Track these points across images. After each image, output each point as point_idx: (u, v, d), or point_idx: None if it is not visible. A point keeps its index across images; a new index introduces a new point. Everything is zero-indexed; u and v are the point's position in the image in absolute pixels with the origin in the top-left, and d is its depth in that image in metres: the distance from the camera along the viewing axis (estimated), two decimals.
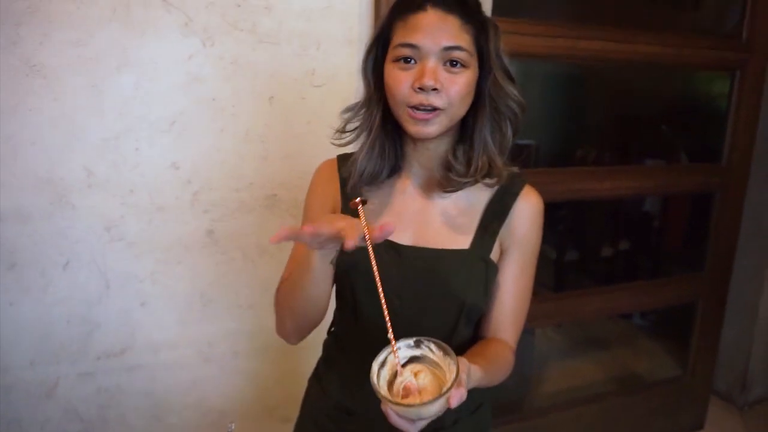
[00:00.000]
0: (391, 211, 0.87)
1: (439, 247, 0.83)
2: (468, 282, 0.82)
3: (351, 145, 0.88)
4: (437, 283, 0.81)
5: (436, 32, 0.74)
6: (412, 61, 0.76)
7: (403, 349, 0.66)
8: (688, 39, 1.87)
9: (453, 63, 0.76)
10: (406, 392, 0.62)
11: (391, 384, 0.63)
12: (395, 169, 0.87)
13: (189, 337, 1.46)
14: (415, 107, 0.76)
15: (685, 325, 2.30)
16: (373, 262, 0.67)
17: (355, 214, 0.71)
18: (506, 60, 0.80)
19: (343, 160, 0.91)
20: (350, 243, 0.63)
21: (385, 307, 0.66)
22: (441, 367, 0.64)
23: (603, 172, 1.93)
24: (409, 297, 0.82)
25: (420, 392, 0.62)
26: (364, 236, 0.66)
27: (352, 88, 1.46)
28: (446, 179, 0.82)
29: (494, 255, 0.85)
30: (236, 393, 1.55)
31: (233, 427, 0.80)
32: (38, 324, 1.31)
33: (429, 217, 0.86)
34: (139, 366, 1.43)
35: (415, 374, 0.63)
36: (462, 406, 0.66)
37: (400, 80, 0.76)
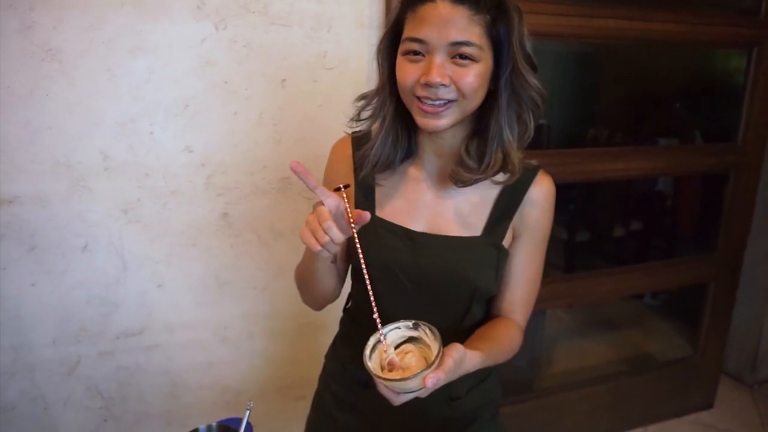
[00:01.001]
0: (404, 198, 0.87)
1: (452, 234, 0.84)
2: (479, 268, 0.84)
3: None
4: (450, 269, 0.82)
5: (444, 26, 0.72)
6: (420, 54, 0.75)
7: (402, 328, 0.72)
8: (704, 16, 1.83)
9: (461, 56, 0.74)
10: (391, 367, 0.68)
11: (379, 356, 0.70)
12: (408, 154, 0.88)
13: (205, 318, 1.49)
14: (423, 98, 0.76)
15: (696, 305, 2.30)
16: (358, 248, 0.73)
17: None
18: (529, 46, 0.77)
19: (356, 139, 0.92)
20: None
21: (370, 288, 0.73)
22: (432, 350, 0.69)
23: (615, 152, 1.91)
24: (423, 282, 0.83)
25: (403, 369, 0.68)
26: (350, 222, 0.71)
27: (364, 70, 1.46)
28: (457, 174, 0.82)
29: (506, 241, 0.86)
30: (251, 373, 1.58)
31: (251, 406, 0.82)
32: (59, 305, 1.34)
33: (442, 205, 0.86)
34: (157, 345, 1.46)
35: (406, 353, 0.70)
36: (470, 378, 0.73)
37: (408, 73, 0.75)
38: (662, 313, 3.08)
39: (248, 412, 0.81)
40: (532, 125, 0.81)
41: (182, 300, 1.45)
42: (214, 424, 0.83)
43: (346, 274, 0.94)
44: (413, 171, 0.88)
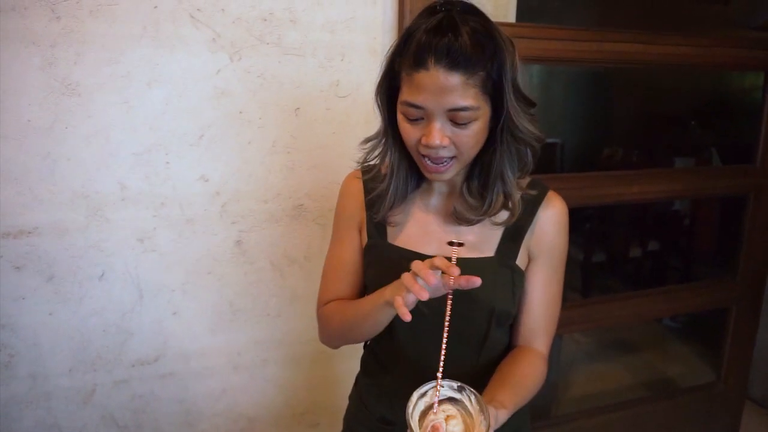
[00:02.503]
0: (415, 224, 0.88)
1: (464, 256, 0.84)
2: (495, 288, 0.83)
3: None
4: (465, 292, 0.81)
5: (440, 94, 0.71)
6: (419, 118, 0.75)
7: (446, 387, 0.69)
8: (718, 39, 1.82)
9: (459, 120, 0.74)
10: (433, 431, 0.65)
11: (423, 415, 0.65)
12: (417, 184, 0.89)
13: (219, 345, 1.49)
14: (426, 156, 0.77)
15: (717, 327, 2.24)
16: (448, 310, 0.72)
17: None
18: (521, 80, 0.77)
19: (366, 171, 0.93)
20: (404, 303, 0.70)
21: (444, 346, 0.70)
22: (473, 418, 0.66)
23: (631, 176, 1.89)
24: (438, 307, 0.82)
25: None
26: (448, 283, 0.69)
27: None
28: (458, 214, 0.83)
29: (520, 262, 0.86)
30: (265, 400, 1.57)
31: None
32: (76, 333, 1.36)
33: (452, 229, 0.87)
34: (172, 374, 1.46)
35: (448, 417, 0.66)
36: (505, 428, 0.69)
37: (409, 134, 0.77)
38: (682, 335, 3.01)
39: None
40: (529, 159, 0.82)
41: (197, 328, 1.46)
42: None
43: None
44: (423, 198, 0.89)
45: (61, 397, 1.38)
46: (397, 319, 0.85)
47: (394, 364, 0.89)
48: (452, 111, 0.73)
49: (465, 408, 0.67)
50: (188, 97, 1.32)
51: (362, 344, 1.03)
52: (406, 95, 0.75)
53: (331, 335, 0.92)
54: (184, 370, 1.47)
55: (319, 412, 1.63)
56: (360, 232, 0.93)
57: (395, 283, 0.75)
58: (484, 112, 0.75)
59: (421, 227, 0.87)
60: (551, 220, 0.86)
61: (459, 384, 0.69)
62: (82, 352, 1.37)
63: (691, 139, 3.30)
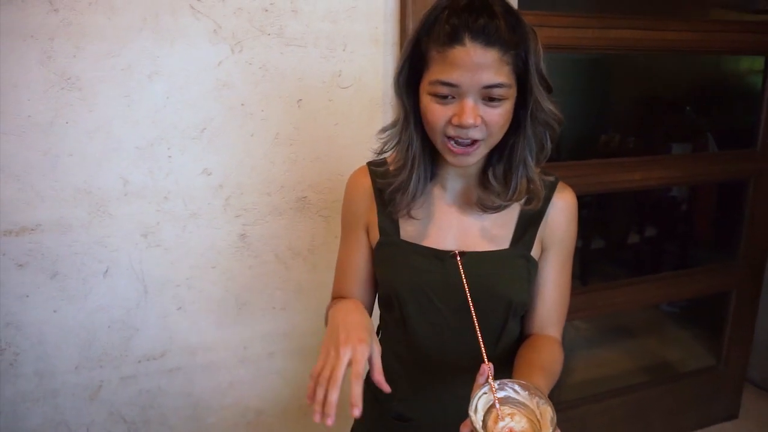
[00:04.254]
0: (429, 219, 0.87)
1: (480, 249, 0.84)
2: (512, 280, 0.84)
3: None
4: (482, 285, 0.82)
5: (476, 71, 0.70)
6: (450, 97, 0.74)
7: (488, 393, 0.66)
8: (719, 23, 1.81)
9: (492, 98, 0.73)
10: None
11: (484, 424, 0.64)
12: (431, 176, 0.88)
13: (225, 339, 1.48)
14: (453, 139, 0.75)
15: (715, 312, 2.27)
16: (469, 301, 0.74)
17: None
18: (544, 67, 0.77)
19: (374, 167, 0.91)
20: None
21: (484, 354, 0.69)
22: (527, 407, 0.65)
23: (633, 163, 1.89)
24: (456, 303, 0.82)
25: None
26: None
27: (379, 87, 1.46)
28: (485, 200, 0.82)
29: (534, 252, 0.86)
30: (272, 392, 1.57)
31: None
32: (81, 330, 1.35)
33: (467, 223, 0.86)
34: (178, 368, 1.46)
35: (511, 416, 0.64)
36: None
37: (437, 115, 0.75)
38: (680, 320, 3.04)
39: None
40: (549, 144, 0.82)
41: (202, 322, 1.45)
42: None
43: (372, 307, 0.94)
44: (436, 192, 0.88)
45: (68, 393, 1.37)
46: (411, 314, 0.84)
47: (409, 360, 0.89)
48: (487, 88, 0.72)
49: (513, 400, 0.66)
50: (190, 89, 1.30)
51: None
52: (437, 74, 0.73)
53: None
54: (190, 365, 1.47)
55: None
56: (367, 231, 0.91)
57: None
58: (513, 92, 0.75)
59: (434, 222, 0.86)
60: (563, 210, 0.87)
61: (499, 382, 0.67)
62: (87, 349, 1.37)
63: (687, 125, 3.30)
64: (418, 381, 0.89)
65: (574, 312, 1.93)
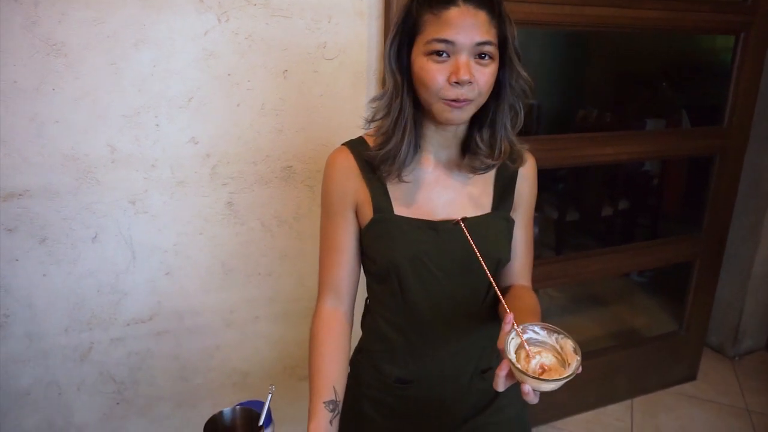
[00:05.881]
0: (418, 191, 0.91)
1: (468, 215, 0.90)
2: (498, 240, 0.92)
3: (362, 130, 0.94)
4: (477, 247, 0.87)
5: (469, 28, 0.77)
6: (445, 55, 0.79)
7: (515, 338, 0.74)
8: (692, 2, 1.87)
9: (482, 56, 0.79)
10: (542, 369, 0.72)
11: (517, 356, 0.73)
12: (416, 149, 0.91)
13: (212, 303, 1.53)
14: (449, 98, 0.80)
15: (681, 281, 2.39)
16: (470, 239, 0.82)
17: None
18: (518, 43, 0.85)
19: (353, 146, 0.93)
20: None
21: (504, 304, 0.77)
22: (549, 344, 0.74)
23: (604, 137, 1.96)
24: (450, 267, 0.89)
25: (551, 369, 0.72)
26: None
27: (364, 59, 1.49)
28: (474, 161, 0.89)
29: (512, 213, 0.95)
30: (257, 355, 1.63)
31: (273, 389, 0.87)
32: (70, 294, 1.38)
33: (453, 192, 0.92)
34: (166, 331, 1.51)
35: (539, 354, 0.73)
36: (496, 349, 0.77)
37: (434, 74, 0.79)
38: (649, 289, 3.18)
39: (270, 395, 0.86)
40: (521, 113, 0.89)
41: (190, 287, 1.50)
42: (237, 407, 0.88)
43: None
44: (422, 165, 0.91)
45: (59, 354, 1.42)
46: (410, 283, 0.90)
47: (408, 326, 0.94)
48: (479, 45, 0.78)
49: (535, 341, 0.75)
50: (176, 58, 1.32)
51: (362, 315, 1.06)
52: (433, 33, 0.79)
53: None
54: (178, 328, 1.52)
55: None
56: (356, 209, 0.93)
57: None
58: (497, 55, 0.82)
59: (424, 195, 0.91)
60: (528, 177, 0.96)
61: (521, 326, 0.75)
62: (77, 312, 1.40)
63: (662, 101, 3.38)
64: (415, 345, 0.95)
65: (547, 280, 2.03)
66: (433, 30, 0.79)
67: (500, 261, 0.91)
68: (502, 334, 0.75)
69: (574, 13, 1.69)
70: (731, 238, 2.34)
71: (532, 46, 3.63)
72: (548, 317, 2.77)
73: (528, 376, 0.69)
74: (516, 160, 0.91)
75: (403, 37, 0.83)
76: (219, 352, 1.59)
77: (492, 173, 0.93)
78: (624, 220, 3.49)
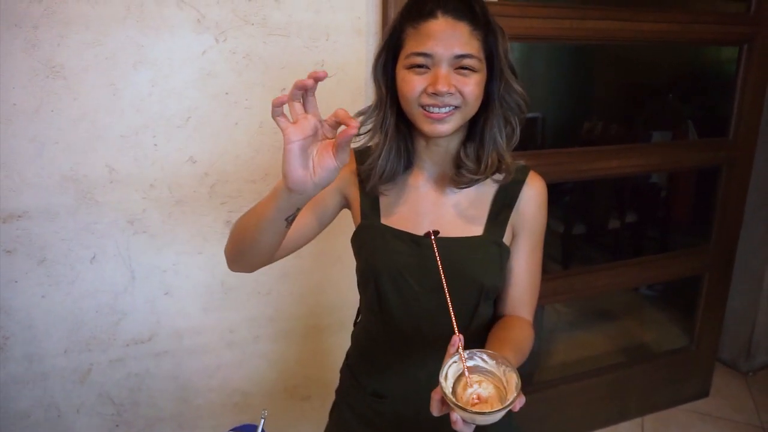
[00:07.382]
0: (407, 205, 0.91)
1: (455, 235, 0.88)
2: (484, 265, 0.88)
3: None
4: (456, 269, 0.85)
5: (447, 40, 0.77)
6: (425, 67, 0.79)
7: (458, 362, 0.69)
8: (695, 15, 1.86)
9: (463, 68, 0.78)
10: (477, 400, 0.66)
11: (453, 391, 0.67)
12: (408, 165, 0.91)
13: (211, 323, 1.52)
14: (429, 107, 0.79)
15: (691, 295, 2.34)
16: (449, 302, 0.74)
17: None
18: (512, 57, 0.83)
19: (359, 153, 0.94)
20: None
21: (455, 326, 0.71)
22: (494, 374, 0.68)
23: (610, 150, 1.94)
24: (430, 285, 0.86)
25: (487, 401, 0.66)
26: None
27: (362, 76, 1.49)
28: (458, 176, 0.87)
29: (506, 239, 0.90)
30: (258, 375, 1.62)
31: (266, 414, 0.85)
32: (69, 314, 1.38)
33: (443, 209, 0.90)
34: (166, 352, 1.50)
35: (478, 383, 0.68)
36: None
37: (414, 84, 0.79)
38: (658, 303, 3.13)
39: (263, 420, 0.84)
40: (518, 129, 0.87)
41: (189, 307, 1.49)
42: None
43: (293, 248, 0.94)
44: (413, 179, 0.92)
45: (58, 376, 1.41)
46: (389, 295, 0.88)
47: (385, 339, 0.93)
48: (458, 57, 0.77)
49: (481, 369, 0.69)
50: (174, 78, 1.32)
51: (352, 321, 1.07)
52: (412, 47, 0.79)
53: (230, 239, 0.91)
54: (178, 348, 1.51)
55: (310, 385, 1.68)
56: (350, 208, 0.95)
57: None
58: (483, 68, 0.81)
59: (412, 209, 0.90)
60: (534, 199, 0.91)
61: (468, 351, 0.70)
62: (76, 333, 1.40)
63: (668, 113, 3.36)
64: (392, 360, 0.93)
65: (554, 295, 2.00)
66: (413, 44, 0.79)
67: (483, 286, 0.87)
68: (446, 356, 0.70)
69: (575, 27, 1.68)
70: (742, 250, 2.30)
71: (537, 59, 3.63)
72: (556, 333, 2.73)
73: (455, 404, 0.63)
74: (504, 173, 0.88)
75: (388, 52, 0.83)
76: (219, 371, 1.57)
77: (491, 194, 0.90)
78: (631, 233, 3.44)
